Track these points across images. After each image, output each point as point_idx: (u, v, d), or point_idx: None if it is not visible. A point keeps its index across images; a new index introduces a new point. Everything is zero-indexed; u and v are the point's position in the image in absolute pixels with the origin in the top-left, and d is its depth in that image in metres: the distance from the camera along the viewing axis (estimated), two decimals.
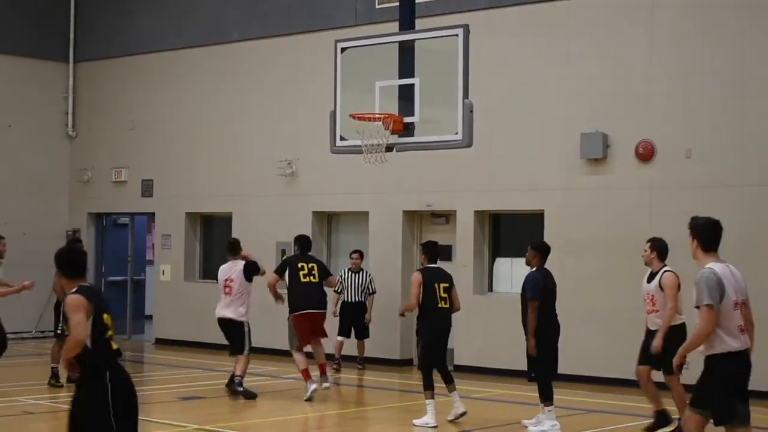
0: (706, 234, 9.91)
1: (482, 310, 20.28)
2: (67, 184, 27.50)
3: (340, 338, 20.56)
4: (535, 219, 20.04)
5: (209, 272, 24.86)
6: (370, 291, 20.87)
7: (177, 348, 24.19)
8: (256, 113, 24.03)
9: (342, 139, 16.20)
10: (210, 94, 24.82)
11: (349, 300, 20.72)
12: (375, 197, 21.89)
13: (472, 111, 14.97)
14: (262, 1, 24.02)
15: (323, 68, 19.35)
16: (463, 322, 19.37)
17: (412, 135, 15.74)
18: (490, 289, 20.99)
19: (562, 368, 14.95)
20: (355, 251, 21.09)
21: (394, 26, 17.49)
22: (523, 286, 14.58)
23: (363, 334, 20.89)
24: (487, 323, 20.16)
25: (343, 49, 16.49)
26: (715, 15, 18.24)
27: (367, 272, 20.98)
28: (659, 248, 13.99)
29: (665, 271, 13.72)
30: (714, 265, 9.64)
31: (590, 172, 19.34)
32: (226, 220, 24.65)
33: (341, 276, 20.64)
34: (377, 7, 21.74)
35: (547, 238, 18.01)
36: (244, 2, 24.28)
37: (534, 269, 14.56)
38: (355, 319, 20.72)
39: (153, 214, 26.18)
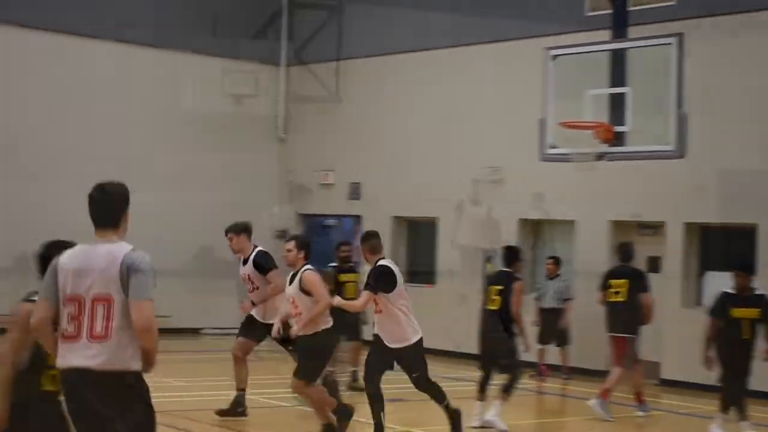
0: None
1: (689, 323, 19.84)
2: (276, 186, 27.99)
3: (541, 346, 20.38)
4: (746, 234, 19.75)
5: (413, 276, 24.93)
6: (567, 297, 20.75)
7: None
8: (463, 119, 24.08)
9: (552, 147, 16.40)
10: (419, 100, 25.01)
11: (546, 306, 20.71)
12: (582, 206, 21.73)
13: (685, 121, 15.04)
14: (471, 8, 24.02)
15: (531, 76, 19.46)
16: (670, 335, 19.36)
17: (622, 144, 15.98)
18: (699, 302, 20.43)
19: None
20: (550, 257, 21.20)
21: (603, 34, 17.69)
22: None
23: (563, 341, 20.74)
24: (695, 337, 19.76)
25: (554, 57, 16.64)
26: None
27: (563, 278, 20.94)
28: None
29: None
30: None
31: None
32: (431, 225, 24.77)
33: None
34: (586, 15, 21.60)
35: (761, 254, 17.76)
36: (452, 10, 24.37)
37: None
38: (552, 326, 20.64)
39: (359, 216, 26.39)
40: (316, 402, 12.80)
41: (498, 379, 14.79)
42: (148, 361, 6.65)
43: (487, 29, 23.62)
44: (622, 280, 16.33)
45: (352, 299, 15.77)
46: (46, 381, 7.05)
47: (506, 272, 15.14)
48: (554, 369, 20.80)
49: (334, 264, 18.51)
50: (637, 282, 16.36)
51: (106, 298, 6.59)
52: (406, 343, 12.69)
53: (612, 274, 16.78)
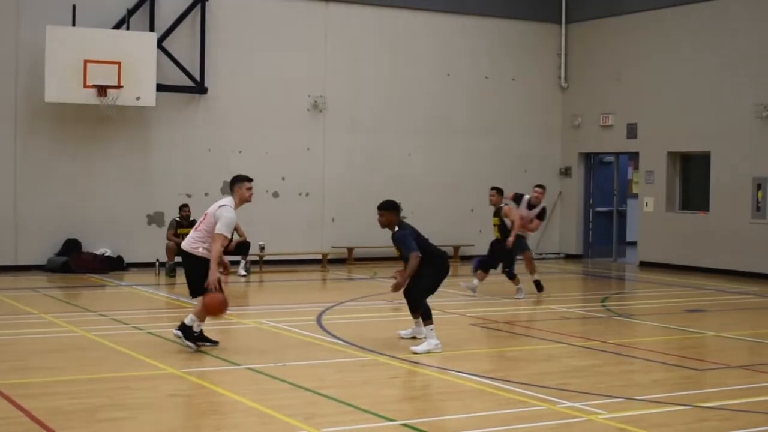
0: None
1: None
2: (560, 129, 28.81)
3: None
4: None
5: (687, 203, 25.75)
6: None
7: (661, 270, 24.89)
8: (735, 63, 24.10)
9: None
10: (695, 47, 25.08)
11: None
12: None
13: None
14: None
15: None
16: None
17: None
18: None
19: None
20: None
21: None
22: None
23: None
24: None
25: None
26: None
27: None
28: None
29: None
30: None
31: None
32: (704, 157, 25.06)
33: None
34: None
35: None
36: None
37: None
38: None
39: (636, 153, 26.89)
40: None
41: None
42: None
43: None
44: None
45: None
46: None
47: None
48: None
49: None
50: None
51: None
52: None
53: None
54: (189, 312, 12.98)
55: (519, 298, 18.59)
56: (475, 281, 18.92)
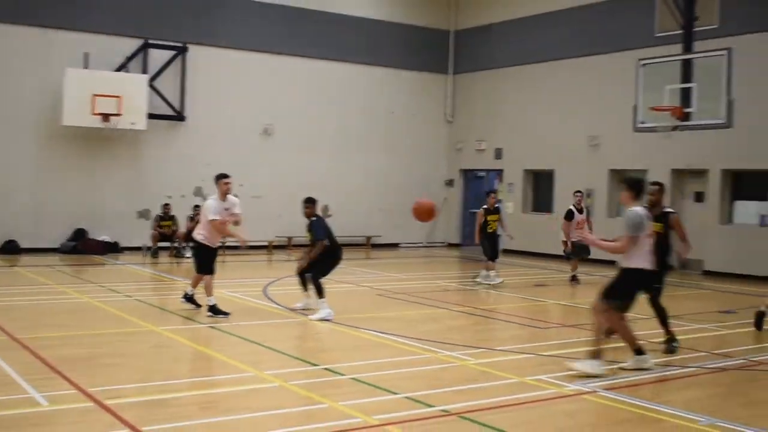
0: None
1: (723, 235, 20.48)
2: (446, 151, 28.76)
3: None
4: (763, 177, 19.81)
5: (537, 207, 25.96)
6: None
7: (518, 255, 24.60)
8: (573, 106, 24.29)
9: (641, 122, 16.85)
10: (545, 94, 25.20)
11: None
12: (654, 160, 21.64)
13: (732, 104, 15.41)
14: (579, 30, 24.11)
15: (624, 76, 19.78)
16: (710, 246, 19.58)
17: (689, 120, 16.26)
18: (730, 221, 20.68)
19: None
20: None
21: (672, 48, 17.69)
22: None
23: None
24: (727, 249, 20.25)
25: (643, 64, 17.11)
26: None
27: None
28: None
29: None
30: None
31: None
32: (549, 174, 25.24)
33: None
34: (656, 35, 21.24)
35: None
36: (568, 32, 24.48)
37: None
38: None
39: (501, 170, 26.97)
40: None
41: None
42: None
43: (586, 44, 23.72)
44: None
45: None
46: None
47: None
48: None
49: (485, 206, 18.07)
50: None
51: None
52: None
53: None
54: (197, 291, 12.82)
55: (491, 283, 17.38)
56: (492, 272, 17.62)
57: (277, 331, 11.37)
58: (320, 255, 12.71)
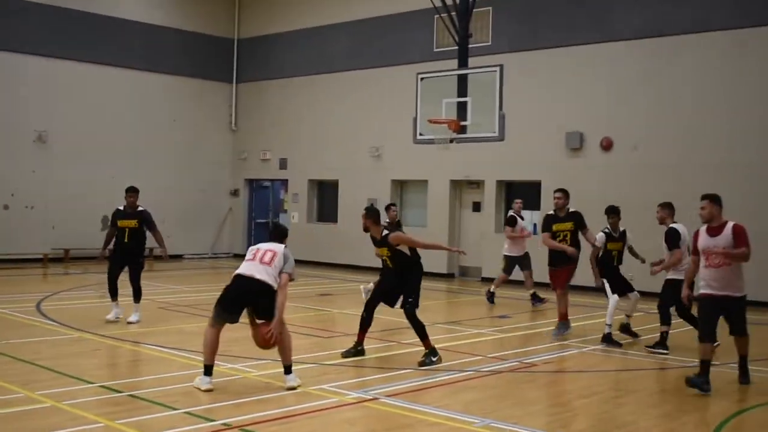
0: None
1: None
2: (231, 160, 28.46)
3: None
4: (533, 187, 20.83)
5: (322, 217, 26.16)
6: None
7: (304, 265, 24.77)
8: (357, 117, 24.70)
9: (420, 134, 17.14)
10: (329, 105, 25.44)
11: None
12: (434, 171, 22.53)
13: (504, 118, 15.98)
14: (362, 43, 24.58)
15: (405, 89, 20.29)
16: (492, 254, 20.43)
17: (465, 133, 16.64)
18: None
19: None
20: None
21: (449, 63, 18.20)
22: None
23: None
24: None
25: (422, 78, 17.41)
26: None
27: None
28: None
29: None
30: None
31: (571, 156, 20.25)
32: (334, 184, 25.50)
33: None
34: (435, 50, 22.39)
35: (544, 201, 19.08)
36: (351, 44, 24.88)
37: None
38: None
39: (287, 180, 27.03)
40: None
41: None
42: None
43: (375, 58, 24.16)
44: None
45: None
46: None
47: None
48: None
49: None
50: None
51: None
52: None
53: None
54: None
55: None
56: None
57: (52, 349, 10.81)
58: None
